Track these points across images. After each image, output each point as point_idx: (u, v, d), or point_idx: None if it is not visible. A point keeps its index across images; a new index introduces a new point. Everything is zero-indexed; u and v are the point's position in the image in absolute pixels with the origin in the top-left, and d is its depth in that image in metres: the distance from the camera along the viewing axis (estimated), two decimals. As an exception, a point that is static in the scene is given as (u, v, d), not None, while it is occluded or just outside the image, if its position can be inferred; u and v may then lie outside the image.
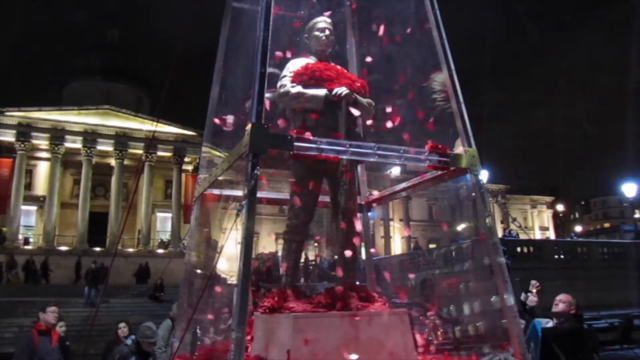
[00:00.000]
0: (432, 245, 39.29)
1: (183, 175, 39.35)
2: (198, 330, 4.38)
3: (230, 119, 4.39)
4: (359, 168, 4.89)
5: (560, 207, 56.30)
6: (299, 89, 4.02)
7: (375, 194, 5.23)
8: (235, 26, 4.70)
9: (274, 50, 3.92)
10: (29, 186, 36.53)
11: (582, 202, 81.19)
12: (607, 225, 62.39)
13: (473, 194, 4.15)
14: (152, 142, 35.42)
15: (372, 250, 5.44)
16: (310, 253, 30.07)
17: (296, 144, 3.50)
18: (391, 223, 43.55)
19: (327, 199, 4.36)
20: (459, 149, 4.21)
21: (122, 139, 37.70)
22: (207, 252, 5.20)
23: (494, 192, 50.14)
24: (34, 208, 36.87)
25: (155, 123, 31.66)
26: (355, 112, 4.08)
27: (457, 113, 4.26)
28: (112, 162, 38.11)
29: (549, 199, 59.20)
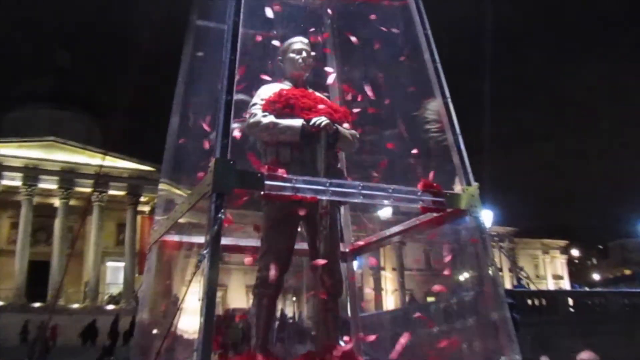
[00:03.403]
0: (430, 299, 39.05)
1: (139, 217, 38.96)
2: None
3: (191, 152, 4.37)
4: (342, 209, 4.87)
5: (575, 252, 56.78)
6: (271, 118, 4.02)
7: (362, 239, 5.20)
8: (199, 47, 4.72)
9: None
10: (-44, 231, 35.91)
11: (600, 246, 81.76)
12: (627, 272, 62.73)
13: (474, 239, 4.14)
14: (98, 177, 34.92)
15: (359, 305, 5.37)
16: (287, 309, 29.64)
17: (267, 182, 3.46)
18: (382, 272, 43.31)
19: (304, 246, 4.32)
20: (456, 187, 4.23)
21: (68, 175, 37.41)
22: (163, 308, 5.07)
23: (500, 236, 50.42)
24: (-38, 256, 36.12)
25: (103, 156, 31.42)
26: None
27: (453, 146, 4.27)
28: (56, 202, 37.67)
29: (562, 242, 59.75)
